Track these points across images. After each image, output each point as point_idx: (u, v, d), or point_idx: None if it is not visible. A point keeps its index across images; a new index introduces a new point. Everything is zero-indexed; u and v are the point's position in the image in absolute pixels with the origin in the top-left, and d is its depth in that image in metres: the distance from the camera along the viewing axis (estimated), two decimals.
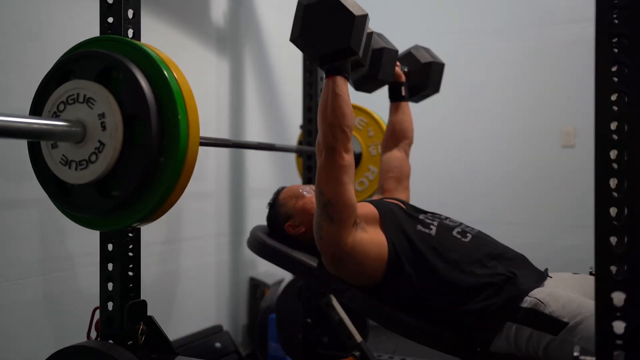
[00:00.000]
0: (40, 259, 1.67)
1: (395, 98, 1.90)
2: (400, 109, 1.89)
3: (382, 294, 1.47)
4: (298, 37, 1.37)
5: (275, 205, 1.70)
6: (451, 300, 1.39)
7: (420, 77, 1.93)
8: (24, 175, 1.56)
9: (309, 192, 1.66)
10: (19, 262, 1.61)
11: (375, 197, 1.80)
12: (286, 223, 1.65)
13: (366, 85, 1.78)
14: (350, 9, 1.31)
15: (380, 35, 1.75)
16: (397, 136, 1.88)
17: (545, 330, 1.25)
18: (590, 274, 1.34)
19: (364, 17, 1.33)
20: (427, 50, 1.98)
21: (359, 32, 1.33)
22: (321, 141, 1.40)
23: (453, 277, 1.39)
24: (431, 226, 1.49)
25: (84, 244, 1.77)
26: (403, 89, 1.89)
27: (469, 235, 1.49)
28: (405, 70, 1.91)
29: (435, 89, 1.97)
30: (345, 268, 1.46)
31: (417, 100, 2.00)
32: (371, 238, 1.45)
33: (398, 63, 1.85)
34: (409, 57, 1.94)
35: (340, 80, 1.39)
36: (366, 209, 1.53)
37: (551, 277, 1.42)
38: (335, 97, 1.38)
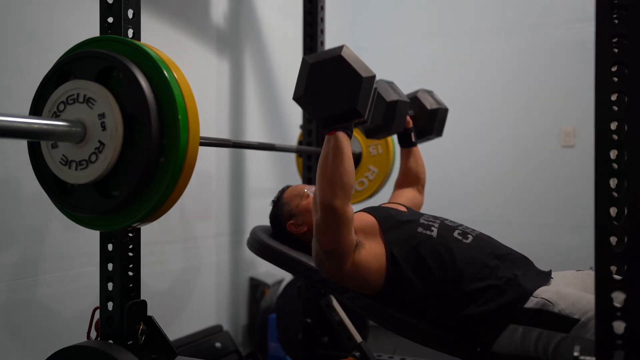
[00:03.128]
0: (40, 259, 1.67)
1: (406, 144, 1.93)
2: (412, 154, 1.93)
3: (384, 299, 1.47)
4: (302, 96, 1.30)
5: (279, 203, 1.71)
6: (452, 304, 1.38)
7: (426, 122, 1.97)
8: (24, 175, 1.56)
9: (313, 193, 1.66)
10: (18, 262, 1.61)
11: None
12: (288, 221, 1.65)
13: (377, 135, 1.80)
14: (358, 70, 1.26)
15: (391, 85, 1.76)
16: (410, 179, 1.92)
17: (556, 329, 1.24)
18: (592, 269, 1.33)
19: (372, 79, 1.28)
20: (431, 94, 2.02)
21: (366, 94, 1.27)
22: (318, 198, 1.35)
23: (454, 280, 1.39)
24: (432, 228, 1.49)
25: (84, 244, 1.77)
26: (412, 135, 1.92)
27: (470, 237, 1.48)
28: (412, 114, 1.93)
29: (439, 133, 2.02)
30: (346, 283, 1.47)
31: (419, 142, 2.03)
32: (370, 252, 1.44)
33: None
34: (415, 101, 1.97)
35: (342, 136, 1.34)
36: (364, 220, 1.51)
37: (552, 278, 1.42)
38: (337, 155, 1.32)
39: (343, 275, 1.42)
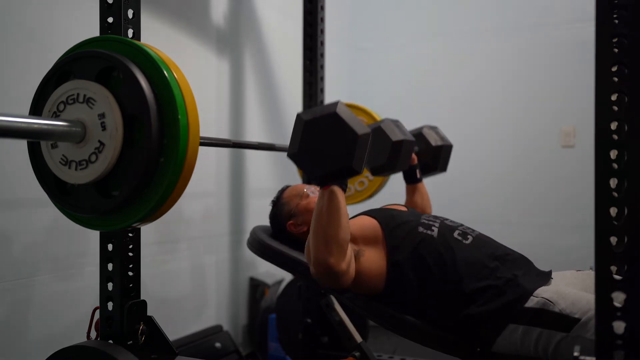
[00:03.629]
0: (41, 259, 1.67)
1: (411, 180, 1.95)
2: (418, 190, 1.95)
3: (384, 299, 1.47)
4: (297, 154, 1.28)
5: (278, 203, 1.71)
6: (453, 304, 1.38)
7: (430, 158, 1.99)
8: (24, 175, 1.56)
9: (313, 192, 1.67)
10: (18, 262, 1.61)
11: None
12: (288, 221, 1.65)
13: (382, 173, 1.81)
14: (354, 127, 1.23)
15: (397, 124, 1.76)
16: None
17: (556, 329, 1.24)
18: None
19: (367, 136, 1.26)
20: (435, 130, 2.05)
21: (362, 152, 1.25)
22: (312, 254, 1.33)
23: (454, 280, 1.39)
24: (433, 227, 1.49)
25: (84, 244, 1.77)
26: (417, 171, 1.94)
27: (470, 237, 1.48)
28: (416, 150, 1.94)
29: (444, 169, 2.04)
30: (347, 288, 1.47)
31: (423, 177, 2.04)
32: (370, 258, 1.45)
33: None
34: (420, 137, 1.99)
35: (338, 191, 1.31)
36: (365, 225, 1.51)
37: (552, 278, 1.42)
38: (333, 211, 1.30)
39: (343, 285, 1.43)
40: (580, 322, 1.21)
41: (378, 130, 1.71)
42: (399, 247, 1.46)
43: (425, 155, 1.98)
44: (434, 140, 1.99)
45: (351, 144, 1.22)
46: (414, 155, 1.90)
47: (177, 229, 2.26)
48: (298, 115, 1.29)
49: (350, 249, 1.39)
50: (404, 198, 2.01)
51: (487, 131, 3.37)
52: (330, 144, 1.24)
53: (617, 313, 0.85)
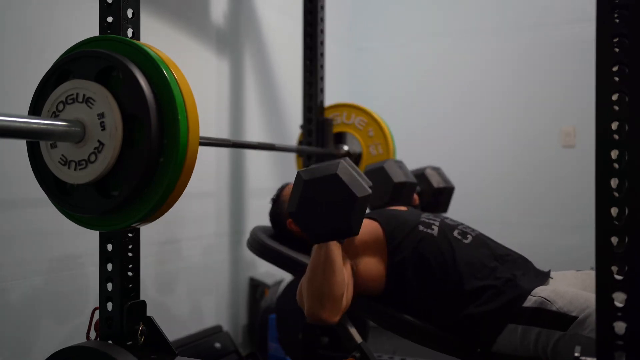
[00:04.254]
0: (40, 259, 1.67)
1: None
2: None
3: (384, 299, 1.47)
4: (295, 212, 1.29)
5: (278, 201, 1.71)
6: (452, 304, 1.38)
7: (432, 199, 2.01)
8: (23, 175, 1.56)
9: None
10: (18, 262, 1.60)
11: None
12: (288, 219, 1.65)
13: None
14: (353, 189, 1.23)
15: (400, 165, 1.78)
16: None
17: (554, 327, 1.24)
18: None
19: (366, 198, 1.26)
20: (438, 171, 2.07)
21: (361, 213, 1.26)
22: (306, 308, 1.35)
23: (454, 280, 1.39)
24: (433, 226, 1.49)
25: (84, 244, 1.77)
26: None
27: (470, 237, 1.48)
28: (419, 190, 1.96)
29: (444, 210, 2.06)
30: None
31: None
32: (368, 264, 1.46)
33: None
34: (422, 177, 2.01)
35: (334, 246, 1.32)
36: (364, 230, 1.49)
37: (552, 278, 1.42)
38: (328, 266, 1.30)
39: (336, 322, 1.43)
40: (577, 319, 1.21)
41: (381, 171, 1.75)
42: (399, 246, 1.46)
43: (427, 196, 2.01)
44: (436, 182, 2.02)
45: (349, 206, 1.23)
46: (415, 196, 1.91)
47: (177, 229, 2.26)
48: (298, 174, 1.29)
49: (348, 276, 1.39)
50: None
51: (487, 131, 3.37)
52: (329, 204, 1.24)
53: (617, 313, 0.85)
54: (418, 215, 1.57)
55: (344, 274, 1.34)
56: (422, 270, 1.42)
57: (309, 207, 1.26)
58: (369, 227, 1.52)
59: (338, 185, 1.23)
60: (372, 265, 1.45)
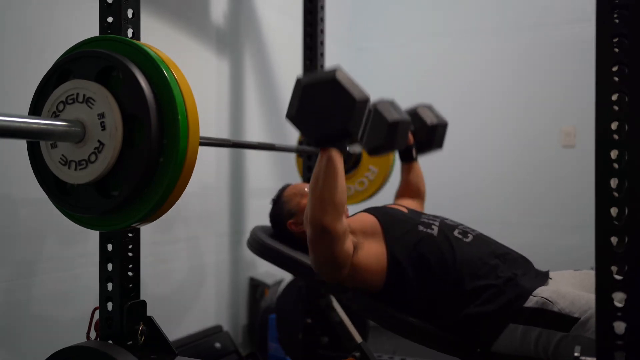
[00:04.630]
0: (40, 259, 1.67)
1: (407, 159, 1.96)
2: (413, 169, 1.96)
3: (384, 298, 1.47)
4: (295, 116, 1.32)
5: (279, 202, 1.71)
6: (453, 303, 1.38)
7: (426, 137, 2.00)
8: (23, 175, 1.56)
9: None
10: (18, 262, 1.60)
11: None
12: (288, 220, 1.65)
13: (379, 153, 1.81)
14: (352, 92, 1.26)
15: (392, 104, 1.77)
16: (411, 193, 1.95)
17: (555, 328, 1.24)
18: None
19: (365, 102, 1.29)
20: (430, 108, 2.05)
21: (359, 116, 1.28)
22: (309, 214, 1.36)
23: (455, 279, 1.39)
24: (433, 226, 1.49)
25: (84, 244, 1.77)
26: (414, 150, 1.95)
27: (470, 236, 1.48)
28: (412, 129, 1.95)
29: (439, 146, 2.05)
30: (346, 283, 1.47)
31: (419, 156, 2.05)
32: (370, 253, 1.45)
33: None
34: (415, 116, 1.99)
35: (335, 154, 1.35)
36: (364, 221, 1.52)
37: (551, 279, 1.42)
38: (330, 172, 1.33)
39: (342, 279, 1.43)
40: (579, 321, 1.21)
41: (374, 112, 1.72)
42: (398, 245, 1.46)
43: (421, 134, 1.99)
44: (429, 119, 1.99)
45: (349, 108, 1.26)
46: (410, 135, 1.90)
47: (177, 228, 2.26)
48: (297, 79, 1.32)
49: (348, 227, 1.41)
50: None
51: (487, 131, 3.37)
52: (328, 107, 1.28)
53: (617, 313, 0.85)
54: (418, 215, 1.57)
55: (344, 182, 1.37)
56: (422, 270, 1.42)
57: (308, 112, 1.30)
58: (367, 219, 1.53)
59: (337, 88, 1.26)
60: (372, 254, 1.45)
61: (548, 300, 1.27)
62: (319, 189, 1.34)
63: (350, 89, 1.26)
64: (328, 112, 1.28)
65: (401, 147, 1.80)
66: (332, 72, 1.29)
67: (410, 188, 1.94)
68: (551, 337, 1.25)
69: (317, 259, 1.39)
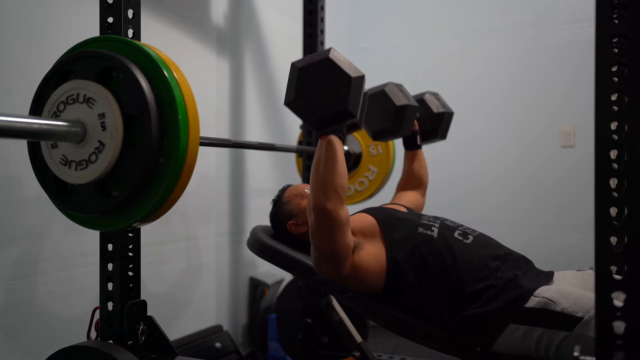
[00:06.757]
0: (40, 259, 1.67)
1: (411, 147, 1.94)
2: (417, 157, 1.94)
3: (384, 299, 1.47)
4: (293, 101, 1.31)
5: (279, 203, 1.71)
6: (453, 304, 1.38)
7: (431, 125, 1.98)
8: (24, 175, 1.56)
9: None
10: (19, 262, 1.61)
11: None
12: (289, 221, 1.65)
13: (385, 137, 1.80)
14: (347, 70, 1.27)
15: (401, 88, 1.75)
16: (414, 182, 1.93)
17: (558, 328, 1.24)
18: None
19: (361, 79, 1.30)
20: (437, 97, 2.02)
21: (356, 94, 1.29)
22: (311, 201, 1.36)
23: (455, 280, 1.39)
24: (433, 228, 1.49)
25: (84, 244, 1.77)
26: (418, 137, 1.93)
27: (471, 237, 1.48)
28: (418, 116, 1.93)
29: (443, 136, 2.03)
30: (346, 284, 1.47)
31: (422, 144, 2.03)
32: (370, 253, 1.45)
33: None
34: (421, 103, 1.96)
35: (335, 140, 1.35)
36: (363, 221, 1.52)
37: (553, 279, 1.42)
38: (330, 158, 1.34)
39: (342, 277, 1.42)
40: (583, 320, 1.21)
41: (382, 94, 1.70)
42: (397, 246, 1.45)
43: (426, 121, 1.96)
44: (435, 107, 1.96)
45: (345, 87, 1.26)
46: (415, 122, 1.88)
47: (177, 229, 2.26)
48: (292, 64, 1.32)
49: (348, 215, 1.41)
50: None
51: (487, 131, 3.37)
52: (325, 89, 1.28)
53: (617, 313, 0.85)
54: (418, 217, 1.56)
55: (345, 168, 1.37)
56: (422, 272, 1.42)
57: (306, 94, 1.30)
58: (366, 219, 1.53)
59: (332, 68, 1.27)
60: (372, 255, 1.45)
61: (550, 300, 1.27)
62: (320, 174, 1.34)
63: (344, 67, 1.27)
64: (325, 93, 1.28)
65: (406, 132, 1.79)
66: (326, 52, 1.30)
67: (413, 178, 1.92)
68: (553, 337, 1.24)
69: (319, 251, 1.39)
